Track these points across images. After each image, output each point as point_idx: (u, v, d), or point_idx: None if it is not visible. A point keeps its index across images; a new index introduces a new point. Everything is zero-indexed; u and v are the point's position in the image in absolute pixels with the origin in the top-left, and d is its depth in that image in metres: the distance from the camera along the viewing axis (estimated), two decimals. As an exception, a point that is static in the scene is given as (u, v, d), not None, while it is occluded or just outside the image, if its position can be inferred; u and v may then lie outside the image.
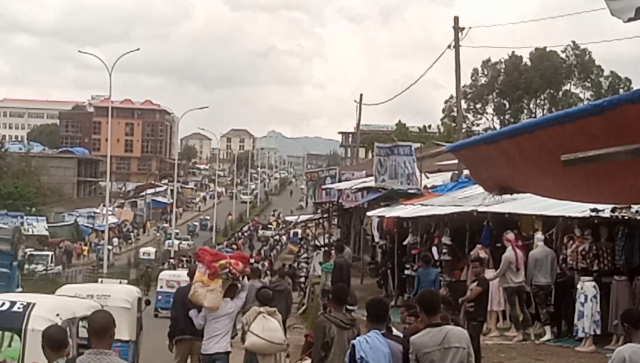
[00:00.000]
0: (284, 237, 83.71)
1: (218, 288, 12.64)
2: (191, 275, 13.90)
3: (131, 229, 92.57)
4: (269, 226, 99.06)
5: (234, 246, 72.87)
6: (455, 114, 46.45)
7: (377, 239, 28.26)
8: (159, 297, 34.42)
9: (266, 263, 49.71)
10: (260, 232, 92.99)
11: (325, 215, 47.46)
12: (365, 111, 57.50)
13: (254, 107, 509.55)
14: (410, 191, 25.42)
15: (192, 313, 13.09)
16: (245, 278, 13.91)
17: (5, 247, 26.06)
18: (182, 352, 13.82)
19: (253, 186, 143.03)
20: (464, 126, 53.25)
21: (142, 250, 74.15)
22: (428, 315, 8.15)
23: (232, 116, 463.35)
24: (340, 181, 41.77)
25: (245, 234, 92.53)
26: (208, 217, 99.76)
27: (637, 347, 8.00)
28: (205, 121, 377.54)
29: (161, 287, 36.06)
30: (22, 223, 59.00)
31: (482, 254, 17.32)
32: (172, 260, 63.77)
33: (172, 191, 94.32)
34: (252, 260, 37.09)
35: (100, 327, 6.35)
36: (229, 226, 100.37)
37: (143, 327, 15.61)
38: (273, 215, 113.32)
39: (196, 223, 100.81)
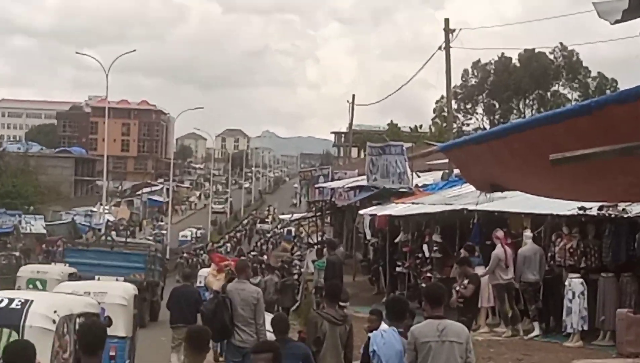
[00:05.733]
0: (283, 230, 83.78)
1: (222, 279, 18.46)
2: (184, 276, 20.75)
3: (127, 227, 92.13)
4: (266, 220, 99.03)
5: (235, 240, 77.10)
6: (446, 114, 46.33)
7: (369, 237, 28.21)
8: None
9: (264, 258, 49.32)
10: (259, 226, 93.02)
11: (319, 213, 47.44)
12: (357, 112, 57.60)
13: (249, 107, 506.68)
14: (401, 189, 25.40)
15: (207, 294, 19.61)
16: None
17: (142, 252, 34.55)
18: (178, 337, 16.68)
19: (247, 185, 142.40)
20: (455, 126, 53.42)
21: (180, 233, 79.94)
22: (432, 307, 8.24)
23: (227, 117, 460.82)
24: (333, 180, 41.67)
25: (246, 227, 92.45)
26: (164, 231, 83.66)
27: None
28: (200, 121, 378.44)
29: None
30: (19, 222, 58.42)
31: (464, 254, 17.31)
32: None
33: (167, 189, 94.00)
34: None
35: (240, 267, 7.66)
36: (224, 224, 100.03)
37: (138, 324, 15.69)
38: (268, 210, 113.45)
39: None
